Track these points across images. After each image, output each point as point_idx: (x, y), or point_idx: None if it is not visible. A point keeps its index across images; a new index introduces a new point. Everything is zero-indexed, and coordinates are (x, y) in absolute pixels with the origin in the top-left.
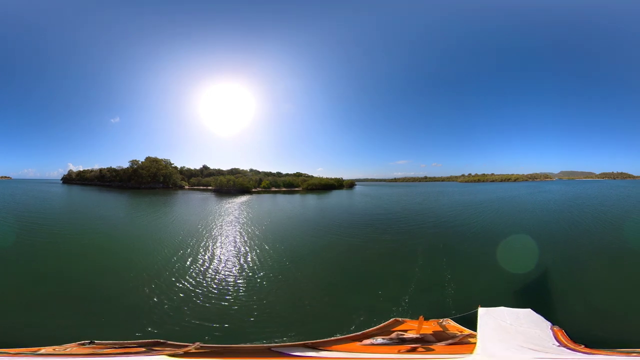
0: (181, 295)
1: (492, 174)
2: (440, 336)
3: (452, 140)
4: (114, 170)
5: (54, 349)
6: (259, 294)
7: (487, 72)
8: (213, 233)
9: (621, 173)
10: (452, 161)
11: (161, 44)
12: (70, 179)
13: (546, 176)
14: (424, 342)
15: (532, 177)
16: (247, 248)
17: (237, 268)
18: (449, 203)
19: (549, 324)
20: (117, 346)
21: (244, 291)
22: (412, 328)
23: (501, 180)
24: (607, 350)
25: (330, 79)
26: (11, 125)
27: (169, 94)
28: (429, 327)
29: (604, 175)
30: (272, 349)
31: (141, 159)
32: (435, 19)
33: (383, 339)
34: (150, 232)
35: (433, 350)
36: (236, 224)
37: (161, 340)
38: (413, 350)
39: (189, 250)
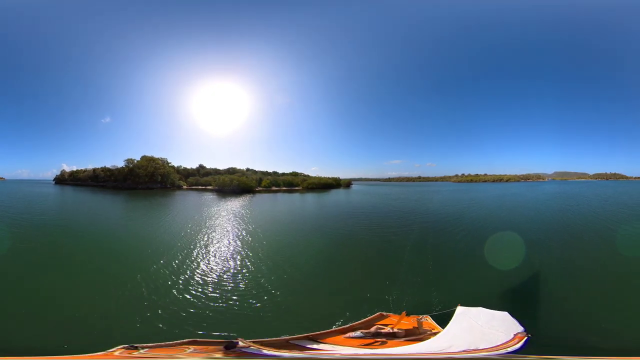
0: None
1: (485, 174)
2: (412, 332)
3: (446, 140)
4: (109, 170)
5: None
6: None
7: (482, 72)
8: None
9: (614, 174)
10: (446, 161)
11: (152, 44)
12: (63, 180)
13: (538, 177)
14: (394, 337)
15: (525, 178)
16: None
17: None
18: (443, 201)
19: (518, 329)
20: (161, 347)
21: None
22: (393, 322)
23: (493, 181)
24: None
25: (323, 78)
26: (5, 126)
27: (161, 93)
28: (408, 322)
29: (598, 176)
30: (290, 341)
31: (136, 158)
32: (430, 17)
33: (362, 332)
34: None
35: (386, 344)
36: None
37: (198, 340)
38: (371, 344)
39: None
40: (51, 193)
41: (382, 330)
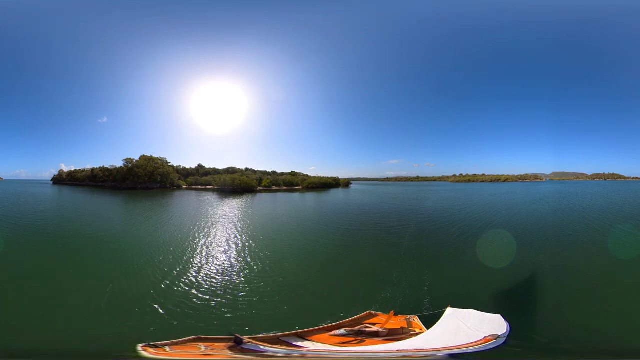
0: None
1: (483, 175)
2: (395, 332)
3: (445, 141)
4: (107, 169)
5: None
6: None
7: (481, 73)
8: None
9: (612, 174)
10: (445, 161)
11: (149, 44)
12: (61, 180)
13: (536, 177)
14: (376, 336)
15: (522, 178)
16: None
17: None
18: (439, 199)
19: (500, 332)
20: (176, 344)
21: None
22: (380, 322)
23: (491, 181)
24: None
25: (321, 78)
26: (3, 127)
27: (159, 93)
28: (395, 322)
29: (595, 176)
30: (280, 338)
31: (135, 158)
32: (428, 17)
33: (345, 330)
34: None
35: (363, 342)
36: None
37: (202, 336)
38: (349, 342)
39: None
40: (48, 194)
41: (366, 329)
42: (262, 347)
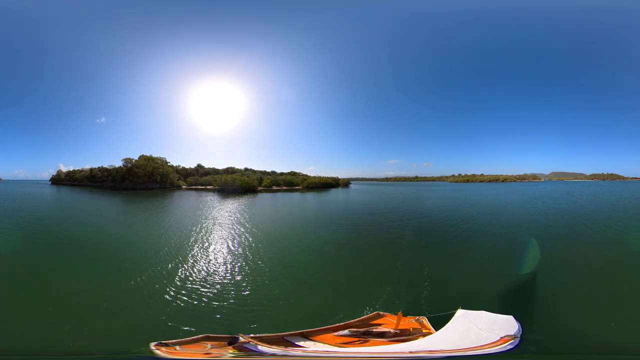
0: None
1: (482, 175)
2: (403, 333)
3: (444, 141)
4: (106, 169)
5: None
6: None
7: (481, 73)
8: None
9: (611, 174)
10: (444, 161)
11: (148, 44)
12: (59, 180)
13: (534, 177)
14: (383, 337)
15: (521, 178)
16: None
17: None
18: (438, 198)
19: (513, 331)
20: (185, 343)
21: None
22: (388, 322)
23: (489, 181)
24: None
25: (320, 78)
26: (2, 127)
27: (157, 93)
28: (403, 323)
29: (594, 176)
30: (284, 337)
31: (134, 158)
32: (428, 17)
33: (350, 331)
34: None
35: (367, 342)
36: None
37: (211, 335)
38: (352, 343)
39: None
40: (46, 194)
41: (373, 330)
42: (259, 347)
